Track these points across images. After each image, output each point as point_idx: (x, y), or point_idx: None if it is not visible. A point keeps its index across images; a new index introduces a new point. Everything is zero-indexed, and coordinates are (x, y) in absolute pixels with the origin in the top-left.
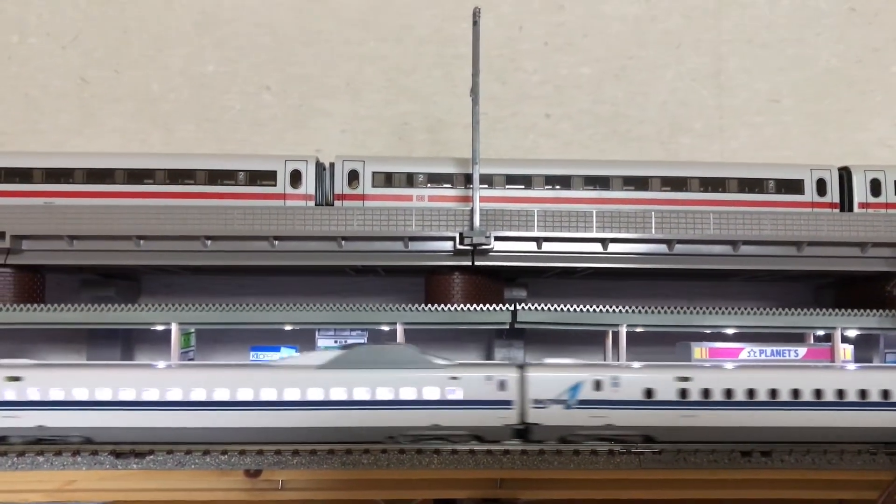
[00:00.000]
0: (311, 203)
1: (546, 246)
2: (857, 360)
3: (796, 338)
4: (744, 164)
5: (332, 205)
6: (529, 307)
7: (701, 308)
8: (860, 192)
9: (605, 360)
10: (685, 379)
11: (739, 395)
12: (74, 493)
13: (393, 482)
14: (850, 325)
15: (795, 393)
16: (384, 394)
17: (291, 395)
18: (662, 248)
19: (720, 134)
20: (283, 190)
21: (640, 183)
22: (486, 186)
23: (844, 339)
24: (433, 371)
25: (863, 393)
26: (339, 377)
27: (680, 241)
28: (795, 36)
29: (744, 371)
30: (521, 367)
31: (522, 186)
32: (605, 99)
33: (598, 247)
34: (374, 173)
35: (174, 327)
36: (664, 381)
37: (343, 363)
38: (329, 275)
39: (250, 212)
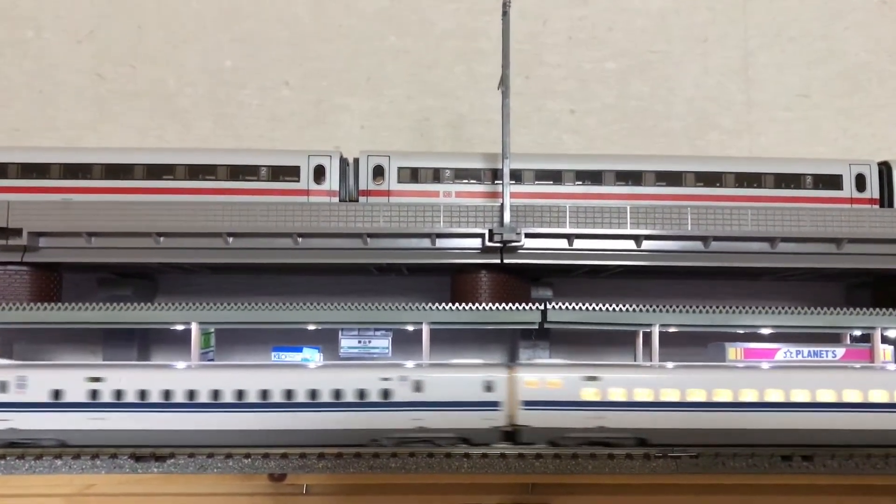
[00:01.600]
0: (335, 199)
1: (577, 243)
2: None
3: (832, 338)
4: (780, 160)
5: (357, 201)
6: (560, 306)
7: (737, 307)
8: None
9: (635, 360)
10: (96, 380)
11: (154, 397)
12: (93, 498)
13: (421, 487)
14: (892, 324)
15: (215, 394)
16: None
17: None
18: (697, 245)
19: (749, 129)
20: (307, 186)
21: (673, 178)
22: (514, 182)
23: (884, 340)
24: None
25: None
26: None
27: (717, 238)
28: (824, 30)
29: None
30: None
31: (551, 182)
32: (631, 94)
33: (631, 244)
34: (399, 168)
35: (194, 327)
36: (74, 382)
37: None
38: (349, 274)
39: (273, 208)
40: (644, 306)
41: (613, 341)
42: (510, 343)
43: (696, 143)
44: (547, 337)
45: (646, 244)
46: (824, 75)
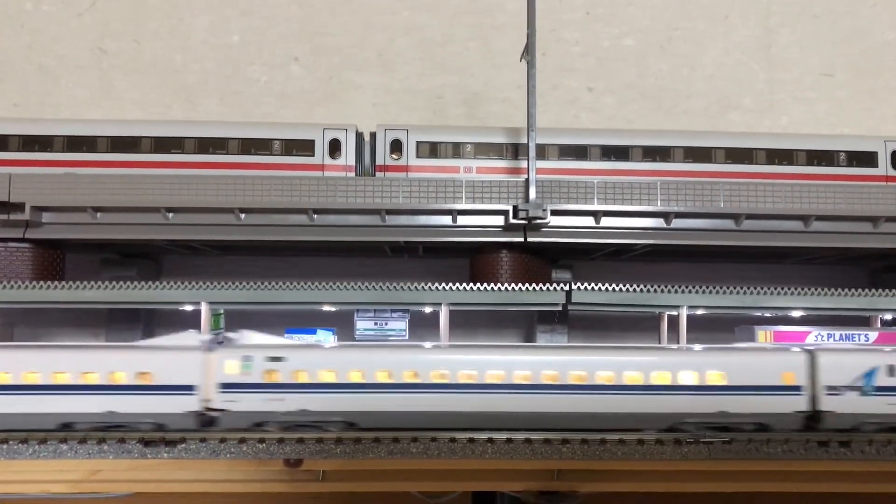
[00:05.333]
0: (351, 174)
1: (604, 221)
2: None
3: (862, 322)
4: (813, 136)
5: (374, 176)
6: (585, 287)
7: (769, 289)
8: None
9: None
10: None
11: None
12: (100, 484)
13: (443, 473)
14: None
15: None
16: None
17: None
18: (729, 223)
19: (770, 110)
20: (322, 160)
21: (702, 155)
22: (538, 158)
23: None
24: None
25: None
26: None
27: (749, 216)
28: (849, 7)
29: None
30: None
31: (576, 158)
32: (650, 72)
33: (660, 222)
34: (418, 143)
35: (204, 307)
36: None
37: None
38: (361, 255)
39: (288, 182)
40: (671, 287)
41: (633, 325)
42: (526, 327)
43: (717, 123)
44: (566, 320)
45: (675, 222)
46: (849, 54)
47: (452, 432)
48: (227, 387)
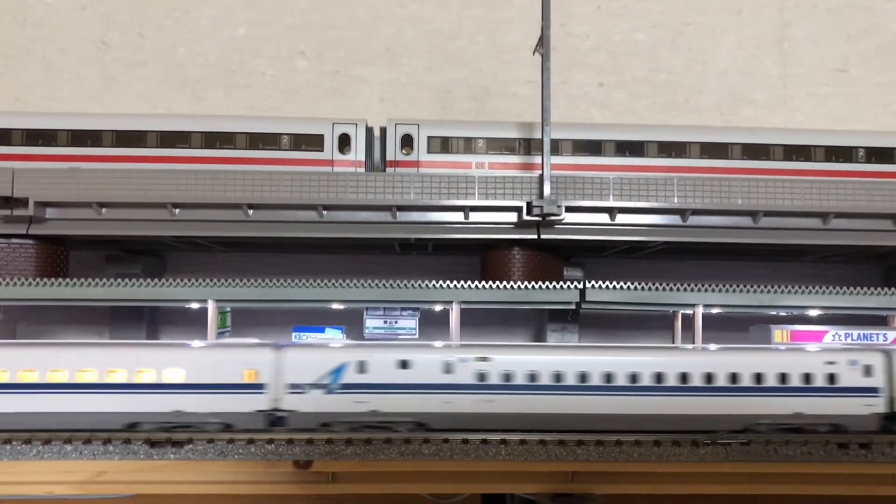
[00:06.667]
0: (361, 170)
1: (619, 217)
2: None
3: (881, 320)
4: (831, 132)
5: (384, 172)
6: (600, 285)
7: (786, 287)
8: None
9: (673, 343)
10: None
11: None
12: (104, 486)
13: (455, 475)
14: None
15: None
16: None
17: None
18: (746, 220)
19: (784, 105)
20: (331, 156)
21: (719, 151)
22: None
23: None
24: None
25: None
26: None
27: (767, 213)
28: (864, 2)
29: None
30: None
31: (590, 153)
32: (662, 67)
33: (676, 219)
34: (429, 138)
35: (211, 304)
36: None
37: None
38: (369, 252)
39: (297, 178)
40: (686, 286)
41: (644, 325)
42: (536, 326)
43: (730, 118)
44: (576, 320)
45: (692, 219)
46: (863, 49)
47: (465, 433)
48: None
